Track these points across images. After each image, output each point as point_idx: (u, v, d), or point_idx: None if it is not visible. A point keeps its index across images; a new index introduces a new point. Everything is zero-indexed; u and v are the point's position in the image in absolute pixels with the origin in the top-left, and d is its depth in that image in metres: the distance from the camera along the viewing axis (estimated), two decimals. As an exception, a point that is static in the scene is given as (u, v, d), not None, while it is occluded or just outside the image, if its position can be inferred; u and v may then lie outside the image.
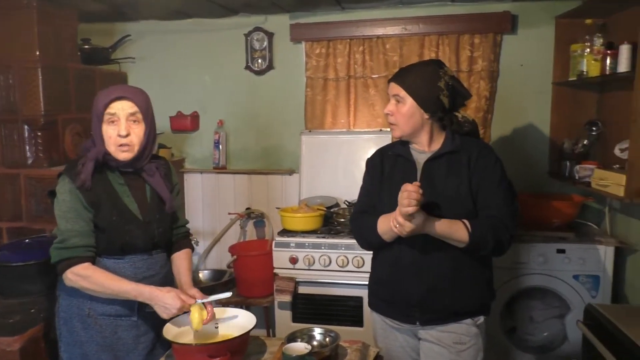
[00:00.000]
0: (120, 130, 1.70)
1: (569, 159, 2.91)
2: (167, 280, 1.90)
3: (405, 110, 1.77)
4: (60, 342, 1.84)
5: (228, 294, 1.79)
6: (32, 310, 2.17)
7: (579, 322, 2.12)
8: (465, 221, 1.68)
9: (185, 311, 1.68)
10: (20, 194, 2.71)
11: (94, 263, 1.72)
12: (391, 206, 1.71)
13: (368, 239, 1.88)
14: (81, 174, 1.69)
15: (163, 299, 1.65)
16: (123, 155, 1.73)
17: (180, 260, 1.95)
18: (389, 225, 1.70)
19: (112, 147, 1.72)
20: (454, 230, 1.68)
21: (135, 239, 1.77)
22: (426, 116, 1.78)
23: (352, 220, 1.97)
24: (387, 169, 1.89)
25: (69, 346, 1.81)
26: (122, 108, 1.70)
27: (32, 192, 2.70)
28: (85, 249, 1.69)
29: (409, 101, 1.76)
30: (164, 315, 1.66)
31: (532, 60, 3.12)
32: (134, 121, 1.73)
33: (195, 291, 1.77)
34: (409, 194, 1.58)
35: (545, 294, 2.82)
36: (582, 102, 3.01)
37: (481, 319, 1.83)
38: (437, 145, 1.83)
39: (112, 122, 1.71)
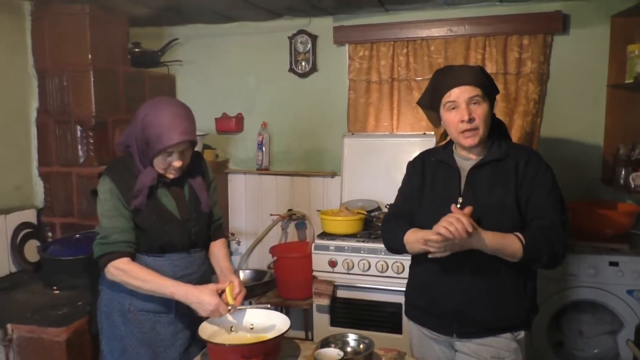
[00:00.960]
0: (175, 163, 1.75)
1: (624, 165, 2.76)
2: (205, 278, 1.94)
3: (484, 112, 1.67)
4: (102, 335, 1.90)
5: (267, 307, 1.83)
6: (79, 303, 2.27)
7: (629, 342, 2.01)
8: (518, 234, 1.61)
9: (223, 315, 1.70)
10: (72, 192, 2.84)
11: (134, 259, 1.77)
12: (431, 215, 1.66)
13: (393, 245, 1.85)
14: (137, 199, 1.75)
15: (200, 297, 1.68)
16: (173, 176, 1.80)
17: (217, 248, 2.00)
18: (419, 239, 1.65)
19: (162, 170, 1.78)
20: (507, 244, 1.60)
21: (173, 238, 1.82)
22: (491, 116, 1.72)
23: (384, 223, 1.94)
24: (428, 175, 1.83)
25: (109, 339, 1.87)
26: (177, 148, 1.73)
27: (83, 189, 2.82)
28: (126, 244, 1.75)
29: (487, 101, 1.68)
30: (201, 312, 1.69)
31: (586, 62, 2.99)
32: (186, 151, 1.78)
33: (233, 277, 1.82)
34: (453, 224, 1.50)
35: (597, 308, 2.69)
36: (639, 106, 2.85)
37: (522, 333, 1.74)
38: (482, 151, 1.75)
39: (167, 155, 1.74)
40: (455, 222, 1.51)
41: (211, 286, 1.73)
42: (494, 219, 1.62)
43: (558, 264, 1.66)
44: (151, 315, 1.83)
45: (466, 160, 1.76)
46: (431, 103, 1.77)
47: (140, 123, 1.72)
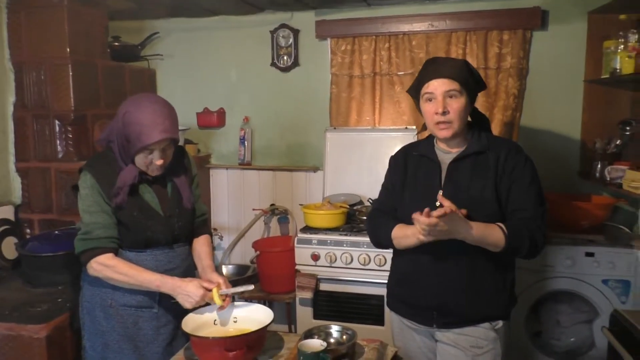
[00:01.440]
0: (156, 161, 1.73)
1: (600, 159, 2.82)
2: (188, 273, 1.94)
3: (460, 106, 1.69)
4: (84, 330, 1.90)
5: (250, 287, 1.81)
6: (59, 300, 2.24)
7: (604, 328, 2.06)
8: (500, 224, 1.63)
9: (207, 303, 1.71)
10: (51, 187, 2.79)
11: (116, 254, 1.76)
12: (413, 209, 1.68)
13: (381, 241, 1.87)
14: (118, 197, 1.74)
15: (185, 289, 1.69)
16: (155, 174, 1.79)
17: (200, 245, 1.99)
18: (407, 235, 1.68)
19: (143, 167, 1.76)
20: (490, 233, 1.62)
21: (156, 234, 1.82)
22: (470, 109, 1.74)
23: (369, 218, 1.95)
24: (410, 169, 1.85)
25: (91, 335, 1.86)
26: (158, 146, 1.71)
27: (62, 185, 2.77)
28: (108, 240, 1.74)
29: (464, 95, 1.70)
30: (186, 305, 1.70)
31: (564, 57, 3.04)
32: (167, 149, 1.76)
33: (216, 275, 1.82)
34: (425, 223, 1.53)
35: (573, 298, 2.74)
36: (615, 101, 2.92)
37: (500, 323, 1.77)
38: (463, 144, 1.78)
39: (148, 152, 1.72)
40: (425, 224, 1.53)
41: (198, 280, 1.74)
42: (473, 211, 1.65)
43: (537, 254, 1.70)
44: (133, 310, 1.83)
45: (446, 154, 1.79)
46: (415, 92, 1.79)
47: (121, 120, 1.71)
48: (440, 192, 1.65)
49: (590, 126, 3.01)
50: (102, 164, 1.79)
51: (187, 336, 1.84)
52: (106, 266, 1.72)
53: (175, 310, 1.83)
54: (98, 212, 1.74)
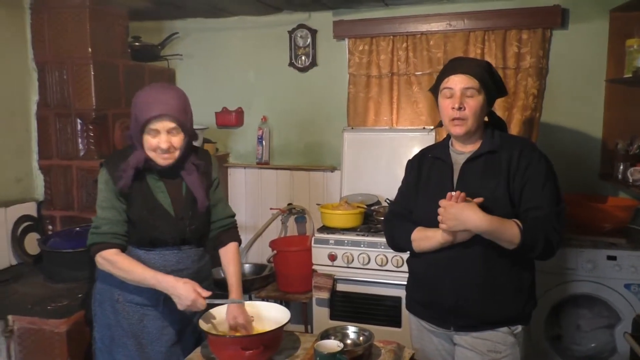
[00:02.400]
0: (161, 143, 1.73)
1: (622, 160, 2.77)
2: (201, 275, 1.92)
3: (476, 105, 1.69)
4: (95, 322, 1.93)
5: (240, 301, 1.80)
6: (79, 295, 2.29)
7: (626, 334, 2.02)
8: (516, 220, 1.62)
9: (200, 309, 1.68)
10: (72, 185, 2.84)
11: (123, 250, 1.78)
12: (426, 211, 1.68)
13: (398, 244, 1.87)
14: (121, 180, 1.75)
15: (177, 290, 1.67)
16: (164, 162, 1.78)
17: (228, 260, 1.95)
18: (429, 237, 1.71)
19: (152, 153, 1.76)
20: (506, 227, 1.60)
21: (163, 234, 1.82)
22: (486, 111, 1.74)
23: (386, 221, 1.95)
24: (424, 171, 1.85)
25: (101, 327, 1.90)
26: (162, 125, 1.71)
27: (83, 182, 2.82)
28: (113, 236, 1.77)
29: (482, 95, 1.70)
30: (178, 305, 1.69)
31: (584, 57, 2.99)
32: (174, 133, 1.75)
33: (238, 313, 1.78)
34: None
35: (594, 302, 2.70)
36: (638, 101, 2.86)
37: (519, 328, 1.75)
38: (477, 145, 1.77)
39: (154, 134, 1.73)
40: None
41: (192, 283, 1.70)
42: (485, 211, 1.62)
43: (552, 255, 1.67)
44: (139, 308, 1.84)
45: (460, 154, 1.78)
46: (436, 88, 1.80)
47: (132, 103, 1.76)
48: (452, 194, 1.64)
49: (612, 126, 2.96)
50: (119, 160, 1.80)
51: (196, 339, 1.86)
52: (108, 261, 1.74)
53: (181, 313, 1.80)
54: (109, 207, 1.77)
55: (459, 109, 1.69)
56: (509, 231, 1.60)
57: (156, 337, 1.86)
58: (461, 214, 1.59)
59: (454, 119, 1.71)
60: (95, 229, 1.77)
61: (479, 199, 1.62)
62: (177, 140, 1.76)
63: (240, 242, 2.03)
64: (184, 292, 1.66)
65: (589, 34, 2.97)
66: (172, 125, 1.72)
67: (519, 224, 1.60)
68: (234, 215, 2.04)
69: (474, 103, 1.69)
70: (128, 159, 1.76)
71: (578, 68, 3.01)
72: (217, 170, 1.98)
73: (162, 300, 1.82)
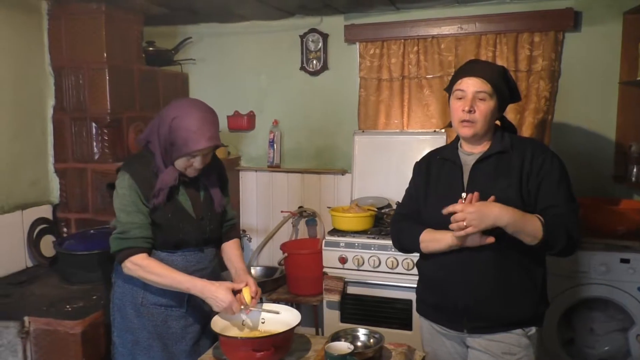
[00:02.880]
0: (197, 164, 1.78)
1: (636, 162, 2.75)
2: (216, 272, 1.99)
3: (487, 109, 1.69)
4: (114, 327, 1.95)
5: (279, 307, 1.85)
6: (94, 297, 2.31)
7: (639, 337, 2.00)
8: (537, 215, 1.61)
9: (235, 312, 1.73)
10: (87, 188, 2.89)
11: (150, 254, 1.81)
12: (436, 212, 1.68)
13: (405, 244, 1.88)
14: (158, 198, 1.78)
15: (215, 293, 1.71)
16: (193, 175, 1.84)
17: (231, 249, 2.04)
18: (437, 239, 1.71)
19: (182, 169, 1.81)
20: (529, 221, 1.58)
21: (188, 236, 1.86)
22: (497, 115, 1.74)
23: (393, 222, 1.96)
24: (433, 173, 1.85)
25: (121, 332, 1.92)
26: (204, 153, 1.77)
27: (98, 185, 2.86)
28: (144, 240, 1.79)
29: (494, 100, 1.70)
30: (216, 308, 1.73)
31: (597, 59, 2.98)
32: (210, 153, 1.82)
33: (249, 278, 1.85)
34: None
35: (607, 305, 2.68)
36: (652, 103, 2.84)
37: (533, 329, 1.74)
38: (486, 146, 1.77)
39: (192, 157, 1.77)
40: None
41: (227, 284, 1.76)
42: None
43: (573, 251, 1.67)
44: (163, 309, 1.87)
45: (469, 156, 1.78)
46: (449, 89, 1.81)
47: (167, 124, 1.74)
48: (464, 195, 1.64)
49: (626, 129, 2.94)
50: (140, 164, 1.83)
51: (213, 336, 1.88)
52: (140, 266, 1.76)
53: (202, 311, 1.89)
54: (135, 212, 1.79)
55: (469, 111, 1.69)
56: (532, 224, 1.58)
57: (180, 337, 1.90)
58: (484, 211, 1.56)
59: (463, 121, 1.71)
60: (122, 234, 1.78)
61: (492, 198, 1.60)
62: (209, 157, 1.83)
63: (240, 238, 2.14)
64: (222, 294, 1.71)
65: (602, 36, 2.95)
66: (210, 150, 1.79)
67: (541, 218, 1.60)
68: (235, 216, 2.12)
69: (484, 107, 1.69)
70: (160, 177, 1.79)
71: (591, 70, 3.00)
72: (225, 171, 2.05)
73: (185, 301, 1.86)
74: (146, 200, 1.80)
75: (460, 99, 1.72)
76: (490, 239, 1.60)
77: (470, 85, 1.70)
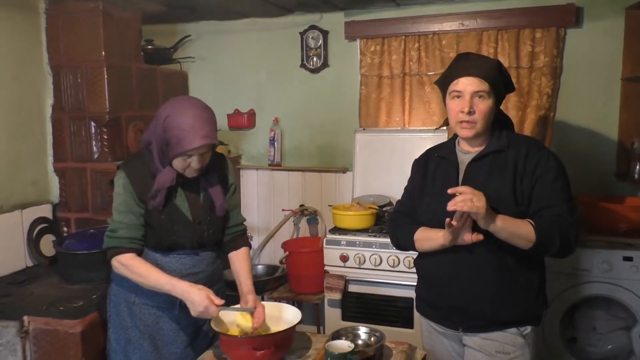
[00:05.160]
0: (194, 164, 1.73)
1: (638, 160, 2.73)
2: (215, 277, 1.95)
3: (486, 108, 1.65)
4: (109, 323, 1.94)
5: (251, 309, 1.77)
6: (94, 297, 2.31)
7: (643, 335, 1.99)
8: (528, 219, 1.59)
9: (212, 316, 1.68)
10: (87, 187, 2.88)
11: (140, 254, 1.79)
12: (430, 210, 1.66)
13: (401, 242, 1.87)
14: (155, 200, 1.75)
15: (191, 295, 1.67)
16: (191, 175, 1.78)
17: (240, 262, 1.95)
18: (431, 238, 1.69)
19: (181, 170, 1.76)
20: (520, 226, 1.57)
21: (182, 239, 1.82)
22: (495, 111, 1.71)
23: (390, 220, 1.95)
24: (430, 171, 1.84)
25: (116, 328, 1.91)
26: (197, 151, 1.71)
27: (98, 185, 2.85)
28: (129, 241, 1.77)
29: (492, 97, 1.66)
30: (192, 312, 1.68)
31: (600, 55, 2.96)
32: (205, 154, 1.76)
33: (251, 297, 1.79)
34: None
35: (610, 303, 2.66)
36: (655, 100, 2.82)
37: (528, 329, 1.72)
38: (483, 144, 1.75)
39: (187, 157, 1.72)
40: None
41: (207, 291, 1.69)
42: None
43: (571, 252, 1.64)
44: (155, 310, 1.85)
45: (466, 154, 1.77)
46: (442, 85, 1.77)
47: (161, 124, 1.71)
48: (449, 191, 1.59)
49: (628, 126, 2.92)
50: (138, 163, 1.81)
51: (210, 338, 1.87)
52: (124, 265, 1.75)
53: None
54: (126, 212, 1.77)
55: (469, 113, 1.65)
56: (524, 229, 1.56)
57: (172, 339, 1.88)
58: (478, 194, 1.52)
59: (462, 122, 1.68)
60: (112, 232, 1.77)
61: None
62: (207, 157, 1.77)
63: (250, 247, 2.04)
64: (198, 298, 1.65)
65: (604, 32, 2.93)
66: (206, 149, 1.73)
67: (532, 222, 1.58)
68: (244, 221, 2.05)
69: (483, 106, 1.66)
70: (157, 178, 1.75)
71: (593, 67, 2.98)
72: (233, 175, 1.97)
73: (178, 304, 1.83)
74: (140, 200, 1.77)
75: (457, 97, 1.69)
76: (480, 236, 1.56)
77: (468, 85, 1.65)
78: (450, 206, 1.51)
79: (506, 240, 1.58)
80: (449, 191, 1.54)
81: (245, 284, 1.88)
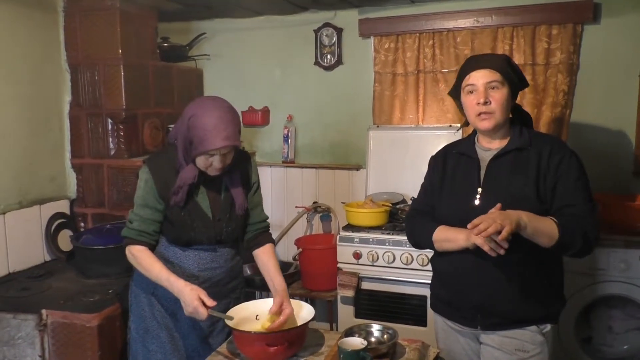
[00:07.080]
0: (216, 163, 1.74)
1: (657, 158, 2.69)
2: (233, 273, 1.97)
3: (502, 97, 1.66)
4: (130, 311, 1.98)
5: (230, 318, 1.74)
6: (110, 291, 2.35)
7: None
8: (552, 217, 1.58)
9: (201, 318, 1.67)
10: (104, 183, 2.92)
11: (152, 248, 1.84)
12: (451, 207, 1.65)
13: (419, 241, 1.85)
14: (177, 196, 1.78)
15: (183, 295, 1.68)
16: (213, 174, 1.80)
17: (267, 259, 1.95)
18: (450, 239, 1.67)
19: (203, 168, 1.78)
20: (544, 224, 1.55)
21: (200, 235, 1.85)
22: (512, 103, 1.71)
23: (407, 219, 1.94)
24: (449, 168, 1.82)
25: (136, 318, 1.94)
26: (221, 152, 1.73)
27: (114, 181, 2.89)
28: (138, 233, 1.82)
29: (506, 87, 1.67)
30: (184, 311, 1.69)
31: (617, 52, 2.91)
32: (228, 154, 1.77)
33: (278, 300, 1.77)
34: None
35: (627, 303, 2.63)
36: (675, 97, 2.77)
37: (548, 327, 1.71)
38: (504, 140, 1.74)
39: (210, 156, 1.73)
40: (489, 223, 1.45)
41: (198, 289, 1.68)
42: (514, 209, 1.57)
43: (590, 252, 1.63)
44: (172, 302, 1.86)
45: (487, 151, 1.75)
46: (456, 91, 1.77)
47: (186, 122, 1.73)
48: (479, 190, 1.56)
49: (647, 123, 2.88)
50: (163, 160, 1.85)
51: (226, 334, 1.88)
52: (133, 256, 1.81)
53: (213, 308, 1.83)
54: (143, 205, 1.82)
55: (485, 103, 1.66)
56: (548, 227, 1.55)
57: (188, 332, 1.90)
58: (503, 212, 1.50)
59: (480, 114, 1.68)
60: (129, 223, 1.84)
61: (498, 206, 1.54)
62: (229, 157, 1.78)
63: (275, 244, 2.04)
64: (188, 298, 1.66)
65: (622, 28, 2.88)
66: (228, 150, 1.74)
67: (555, 220, 1.57)
68: (267, 219, 2.06)
69: (499, 96, 1.66)
70: (180, 174, 1.77)
71: (610, 63, 2.93)
72: (256, 173, 1.99)
73: None
74: (160, 197, 1.80)
75: (471, 92, 1.69)
76: (506, 245, 1.50)
77: (480, 77, 1.67)
78: (476, 238, 1.48)
79: (529, 238, 1.56)
80: (469, 226, 1.50)
81: (277, 281, 1.88)
